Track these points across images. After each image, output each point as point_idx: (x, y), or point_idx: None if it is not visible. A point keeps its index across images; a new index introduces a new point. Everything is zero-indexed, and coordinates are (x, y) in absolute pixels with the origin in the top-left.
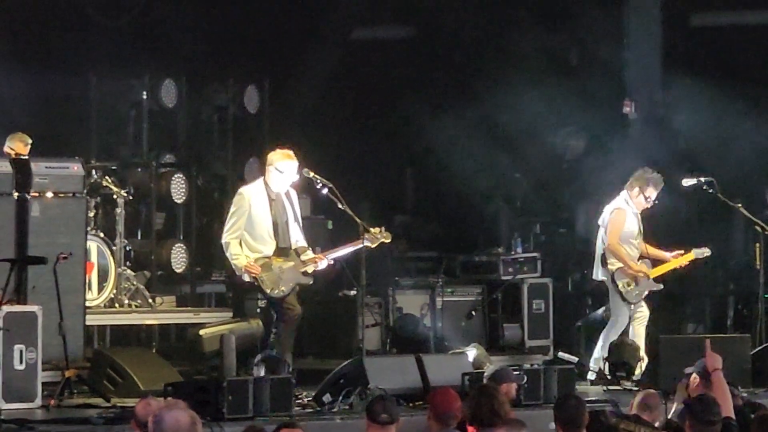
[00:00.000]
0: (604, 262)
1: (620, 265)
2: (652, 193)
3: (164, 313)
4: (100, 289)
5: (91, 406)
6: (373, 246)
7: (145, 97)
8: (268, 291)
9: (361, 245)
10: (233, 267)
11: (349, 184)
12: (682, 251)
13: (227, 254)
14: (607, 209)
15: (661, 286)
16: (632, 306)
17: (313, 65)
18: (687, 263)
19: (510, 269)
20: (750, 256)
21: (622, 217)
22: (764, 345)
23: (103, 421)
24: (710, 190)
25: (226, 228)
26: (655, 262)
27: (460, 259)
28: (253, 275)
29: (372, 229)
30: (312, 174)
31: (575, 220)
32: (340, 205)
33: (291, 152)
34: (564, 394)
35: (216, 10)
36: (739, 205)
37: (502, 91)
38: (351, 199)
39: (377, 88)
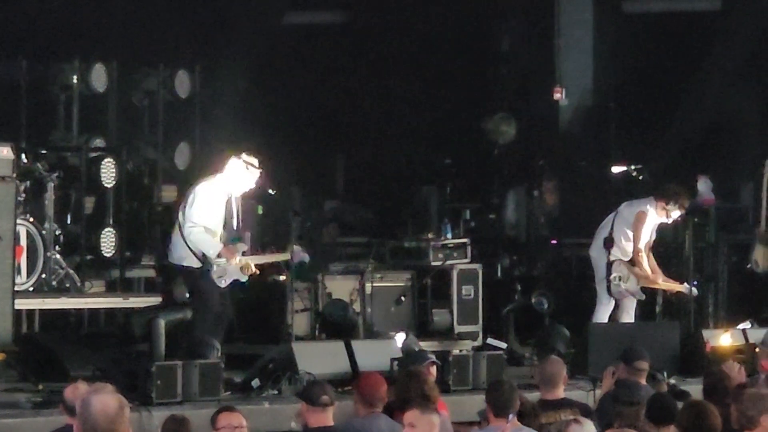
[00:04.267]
0: (607, 246)
1: (621, 257)
2: (676, 212)
3: (94, 298)
4: (30, 273)
5: (20, 390)
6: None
7: (75, 81)
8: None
9: (282, 260)
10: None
11: (280, 169)
12: (677, 281)
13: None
14: (634, 205)
15: (644, 297)
16: (612, 299)
17: (245, 50)
18: (673, 291)
19: (439, 255)
20: (678, 243)
21: (644, 220)
22: (693, 332)
23: (32, 405)
24: (639, 177)
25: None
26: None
27: (390, 245)
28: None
29: (298, 252)
30: (242, 159)
31: (505, 207)
32: (270, 190)
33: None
34: (496, 379)
35: None
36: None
37: (433, 77)
38: (282, 184)
39: (308, 74)
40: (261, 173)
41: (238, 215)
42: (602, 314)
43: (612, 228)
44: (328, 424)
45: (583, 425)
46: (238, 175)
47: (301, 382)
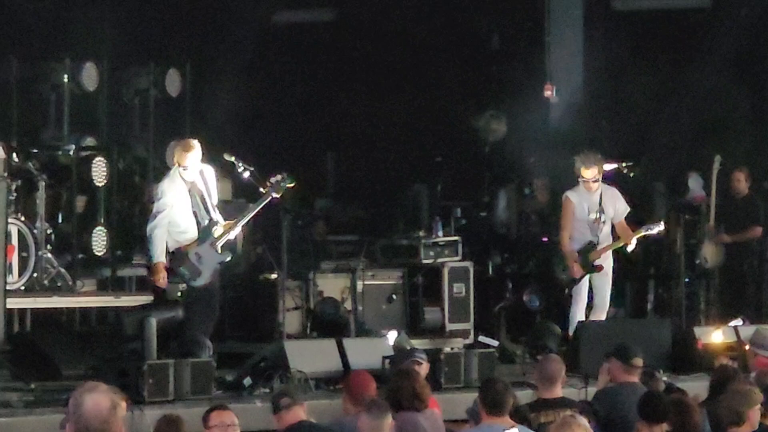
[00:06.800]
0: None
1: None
2: (585, 173)
3: (85, 297)
4: (21, 272)
5: (12, 389)
6: (279, 195)
7: (66, 80)
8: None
9: (269, 198)
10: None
11: (271, 167)
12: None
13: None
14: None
15: (602, 268)
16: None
17: (235, 48)
18: (634, 240)
19: (431, 253)
20: (670, 240)
21: (567, 204)
22: (685, 329)
23: (24, 404)
24: (631, 174)
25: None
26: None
27: (381, 243)
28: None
29: (272, 179)
30: (233, 158)
31: (496, 204)
32: (261, 189)
33: (190, 143)
34: (490, 377)
35: None
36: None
37: (423, 75)
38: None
39: (298, 72)
40: (200, 149)
41: (206, 201)
42: (577, 312)
43: None
44: (299, 419)
45: (578, 420)
46: (182, 158)
47: (293, 380)
